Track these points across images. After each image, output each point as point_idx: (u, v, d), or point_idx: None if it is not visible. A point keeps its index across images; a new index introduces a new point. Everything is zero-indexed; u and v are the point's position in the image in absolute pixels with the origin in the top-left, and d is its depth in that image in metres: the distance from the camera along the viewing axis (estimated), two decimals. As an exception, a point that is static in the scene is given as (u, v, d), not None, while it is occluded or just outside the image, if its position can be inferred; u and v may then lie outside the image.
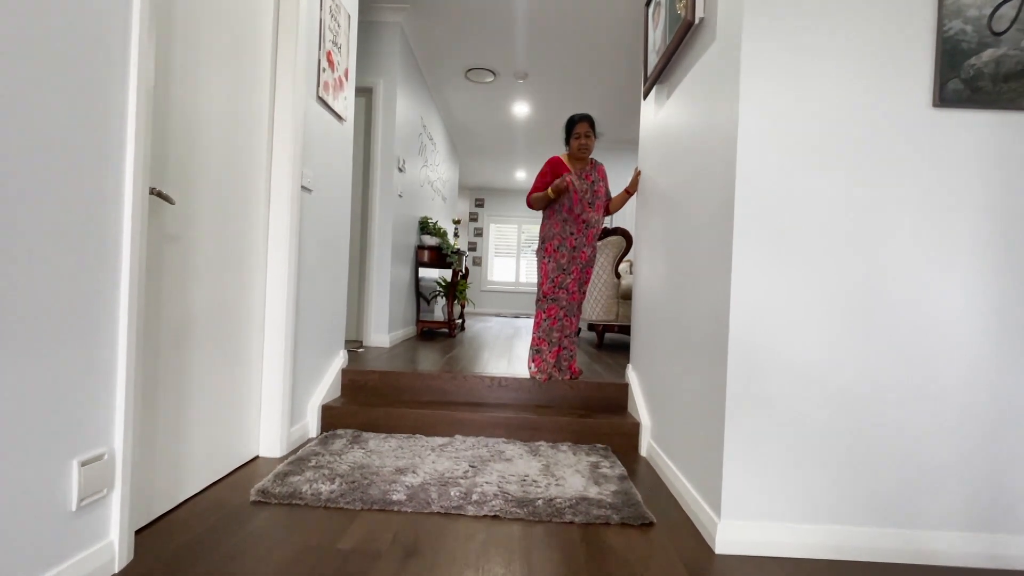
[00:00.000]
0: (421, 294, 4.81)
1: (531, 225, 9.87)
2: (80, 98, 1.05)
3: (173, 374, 1.48)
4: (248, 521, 1.47)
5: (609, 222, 6.44)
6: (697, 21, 1.72)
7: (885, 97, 1.40)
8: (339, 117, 2.48)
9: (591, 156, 2.66)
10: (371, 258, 3.70)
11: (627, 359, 3.57)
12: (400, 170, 3.89)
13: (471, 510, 1.58)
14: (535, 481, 1.81)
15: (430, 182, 5.16)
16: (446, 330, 5.07)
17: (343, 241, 2.62)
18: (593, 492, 1.74)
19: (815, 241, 1.42)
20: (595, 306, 4.09)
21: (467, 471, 1.87)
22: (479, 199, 9.91)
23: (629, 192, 2.68)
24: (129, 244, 1.17)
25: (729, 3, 1.50)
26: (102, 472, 1.13)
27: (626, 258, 5.47)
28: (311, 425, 2.29)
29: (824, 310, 1.42)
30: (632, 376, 2.55)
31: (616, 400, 2.55)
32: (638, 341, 2.51)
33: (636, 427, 2.27)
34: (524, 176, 8.75)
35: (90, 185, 1.08)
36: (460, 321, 5.31)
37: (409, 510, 1.58)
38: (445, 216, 6.17)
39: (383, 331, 3.71)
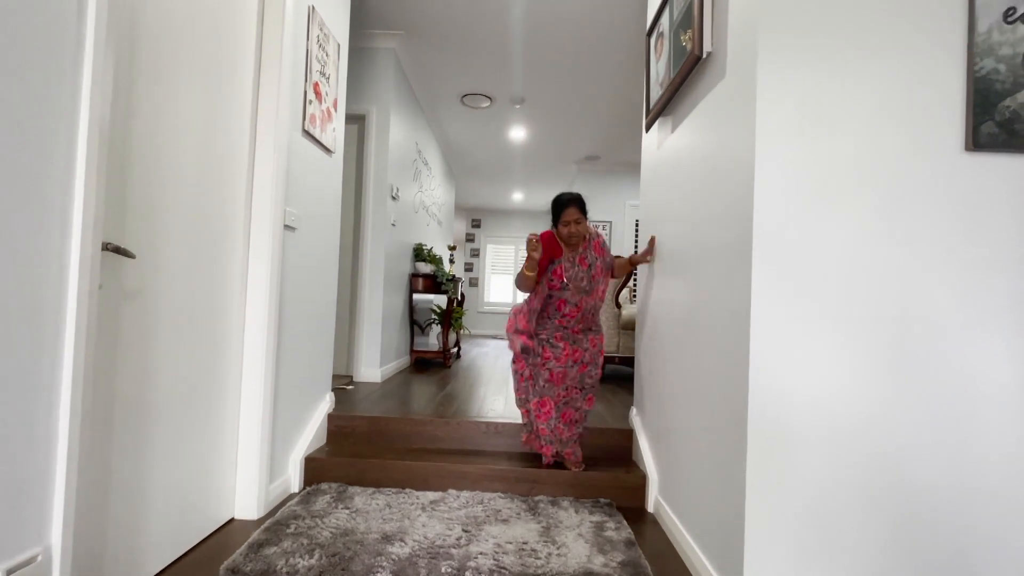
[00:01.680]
0: (416, 322, 4.67)
1: (528, 246, 9.77)
2: (12, 139, 0.92)
3: (132, 443, 1.33)
4: (213, 610, 1.31)
5: (609, 231, 6.34)
6: (704, 55, 1.62)
7: (914, 141, 1.29)
8: (327, 150, 2.37)
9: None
10: (362, 289, 3.57)
11: (630, 393, 3.42)
12: (393, 198, 3.78)
13: (464, 591, 1.42)
14: (534, 550, 1.65)
15: (425, 207, 5.05)
16: (441, 360, 4.91)
17: (330, 279, 2.48)
18: (598, 563, 1.59)
19: (840, 290, 1.29)
20: (595, 337, 3.95)
21: (460, 537, 1.71)
22: (476, 220, 9.82)
23: (639, 262, 2.31)
24: (75, 310, 1.04)
25: (741, 38, 1.40)
26: (34, 577, 0.98)
27: (628, 286, 5.35)
28: (293, 479, 2.12)
29: (852, 364, 1.28)
30: (636, 422, 2.40)
31: (620, 448, 2.40)
32: (643, 386, 2.37)
33: (642, 480, 2.12)
34: (521, 197, 8.68)
35: (26, 247, 0.95)
36: (455, 350, 5.16)
37: (395, 592, 1.42)
38: (441, 240, 6.06)
39: (374, 365, 3.56)
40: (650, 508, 2.08)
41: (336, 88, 2.44)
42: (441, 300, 5.14)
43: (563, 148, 5.91)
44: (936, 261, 1.29)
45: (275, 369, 1.93)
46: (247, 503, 1.85)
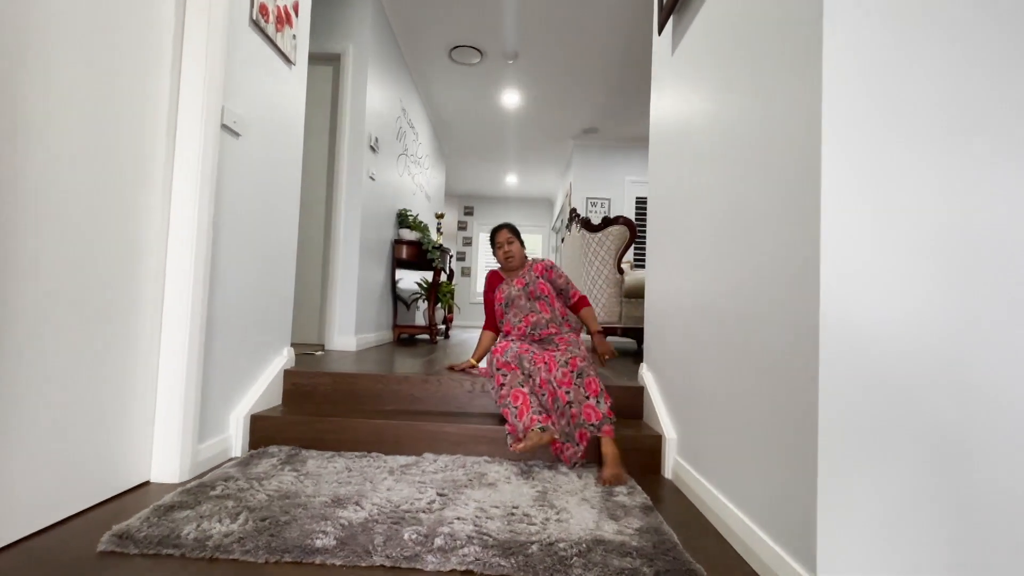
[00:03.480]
0: (399, 297, 4.30)
1: (524, 234, 9.42)
2: None
3: (-30, 356, 0.96)
4: (78, 587, 0.94)
5: (607, 208, 6.00)
6: None
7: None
8: (285, 58, 2.01)
9: (531, 258, 2.33)
10: (336, 249, 3.20)
11: (634, 364, 3.06)
12: (372, 149, 3.42)
13: (432, 562, 1.06)
14: (527, 515, 1.29)
15: (411, 174, 4.69)
16: (427, 336, 4.54)
17: (289, 211, 2.12)
18: (610, 530, 1.22)
19: (926, 155, 0.94)
20: (595, 306, 3.60)
21: (433, 501, 1.35)
22: (468, 207, 9.47)
23: (601, 350, 2.16)
24: None
25: None
26: None
27: (626, 258, 5.01)
28: (235, 441, 1.75)
29: (954, 267, 0.93)
30: (648, 378, 2.05)
31: (629, 407, 2.05)
32: (654, 334, 2.01)
33: (657, 441, 1.76)
34: (515, 181, 8.34)
35: None
36: (444, 327, 4.80)
37: (338, 562, 1.05)
38: (429, 214, 5.70)
39: (349, 333, 3.19)
40: (667, 473, 1.72)
41: (297, -10, 2.09)
42: (428, 275, 4.78)
43: (560, 118, 5.57)
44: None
45: (206, 299, 1.56)
46: (167, 465, 1.47)
